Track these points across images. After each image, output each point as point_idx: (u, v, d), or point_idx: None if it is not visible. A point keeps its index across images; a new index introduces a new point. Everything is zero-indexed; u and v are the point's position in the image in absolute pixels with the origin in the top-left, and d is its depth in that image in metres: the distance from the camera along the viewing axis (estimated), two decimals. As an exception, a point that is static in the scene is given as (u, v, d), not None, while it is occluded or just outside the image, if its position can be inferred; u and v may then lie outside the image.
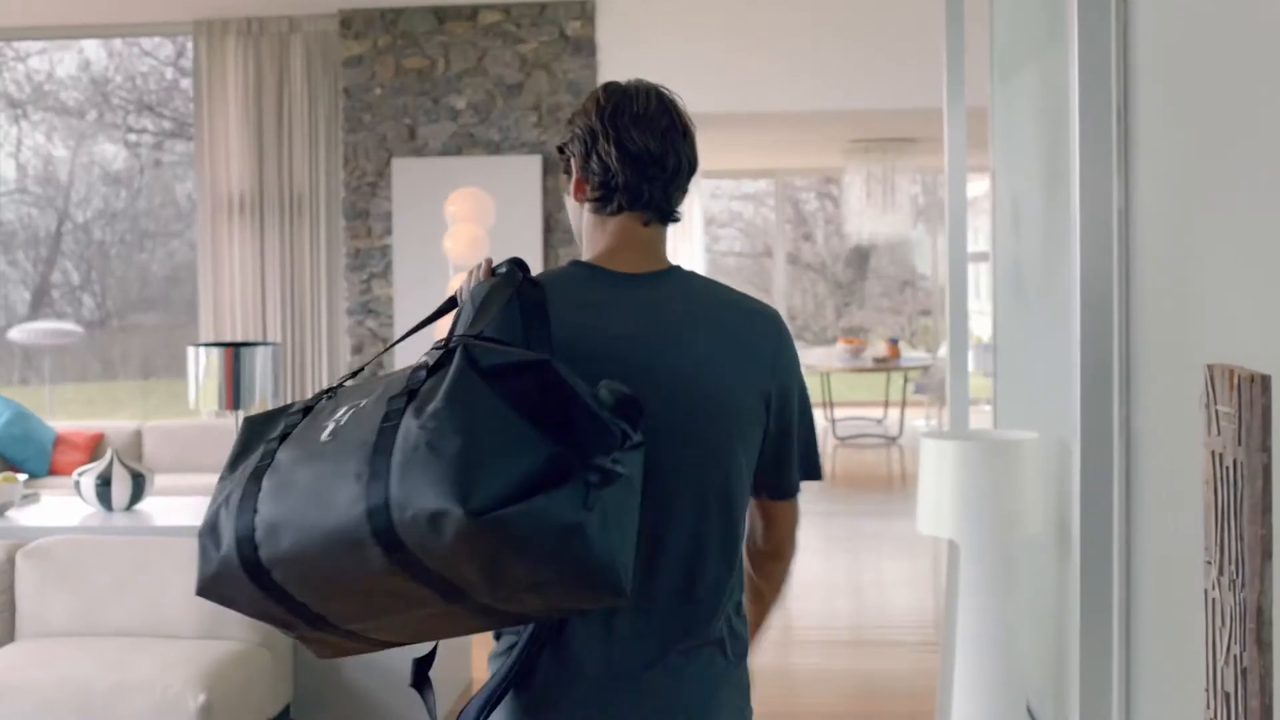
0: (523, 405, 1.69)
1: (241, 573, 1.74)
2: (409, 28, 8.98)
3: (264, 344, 4.75)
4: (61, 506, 4.98)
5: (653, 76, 2.18)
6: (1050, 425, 3.43)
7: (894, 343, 13.10)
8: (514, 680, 1.97)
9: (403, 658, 4.57)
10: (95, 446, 8.19)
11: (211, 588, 1.80)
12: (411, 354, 3.21)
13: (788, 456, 2.13)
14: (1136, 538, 2.69)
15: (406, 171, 8.93)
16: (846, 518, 9.48)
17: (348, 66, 9.02)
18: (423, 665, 1.99)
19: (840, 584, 7.54)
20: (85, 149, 19.35)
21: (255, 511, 1.75)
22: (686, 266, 2.16)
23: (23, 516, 4.82)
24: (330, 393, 1.89)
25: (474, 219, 7.67)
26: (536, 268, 8.77)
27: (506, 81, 8.96)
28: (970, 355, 4.45)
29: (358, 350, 9.06)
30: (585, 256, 2.10)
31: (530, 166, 8.87)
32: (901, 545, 8.41)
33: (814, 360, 13.54)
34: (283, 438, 1.82)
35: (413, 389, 1.73)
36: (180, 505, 5.00)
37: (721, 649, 2.05)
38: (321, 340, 9.28)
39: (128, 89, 19.01)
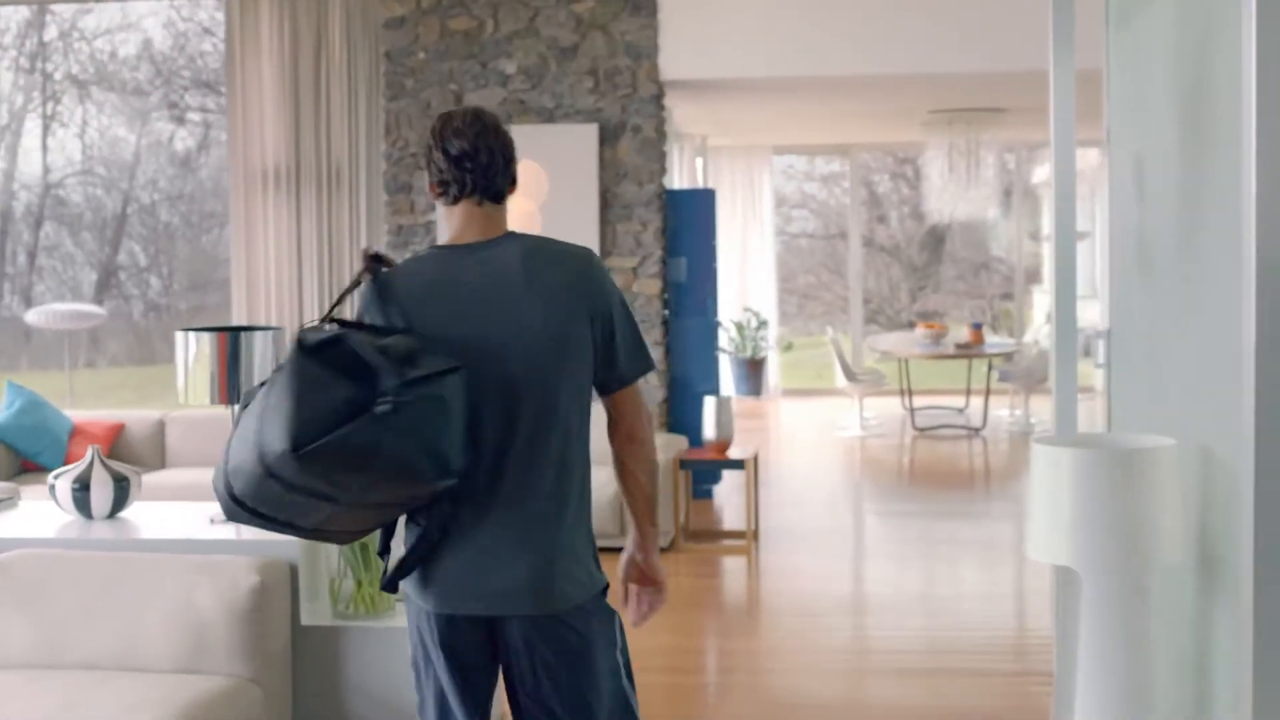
0: (338, 366, 2.52)
1: (233, 505, 2.56)
2: (454, -14, 8.48)
3: (263, 329, 4.16)
4: (37, 514, 4.40)
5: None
6: (1188, 429, 3.00)
7: (977, 328, 12.45)
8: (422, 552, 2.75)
9: (412, 701, 3.99)
10: (115, 438, 7.67)
11: (229, 519, 2.62)
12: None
13: (615, 357, 2.83)
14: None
15: (452, 142, 8.37)
16: (924, 519, 8.83)
17: (389, 29, 8.58)
18: (385, 536, 2.78)
19: (915, 597, 6.82)
20: (149, 129, 19.38)
21: (228, 461, 2.57)
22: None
23: (-10, 525, 4.25)
24: None
25: (525, 193, 7.30)
26: (592, 241, 8.28)
27: (560, 44, 8.46)
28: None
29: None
30: (441, 241, 2.84)
31: (586, 136, 8.35)
32: (986, 552, 7.72)
33: (890, 345, 12.94)
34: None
35: (281, 365, 2.56)
36: (171, 512, 4.41)
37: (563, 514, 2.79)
38: (361, 324, 8.78)
39: (190, 70, 19.13)
